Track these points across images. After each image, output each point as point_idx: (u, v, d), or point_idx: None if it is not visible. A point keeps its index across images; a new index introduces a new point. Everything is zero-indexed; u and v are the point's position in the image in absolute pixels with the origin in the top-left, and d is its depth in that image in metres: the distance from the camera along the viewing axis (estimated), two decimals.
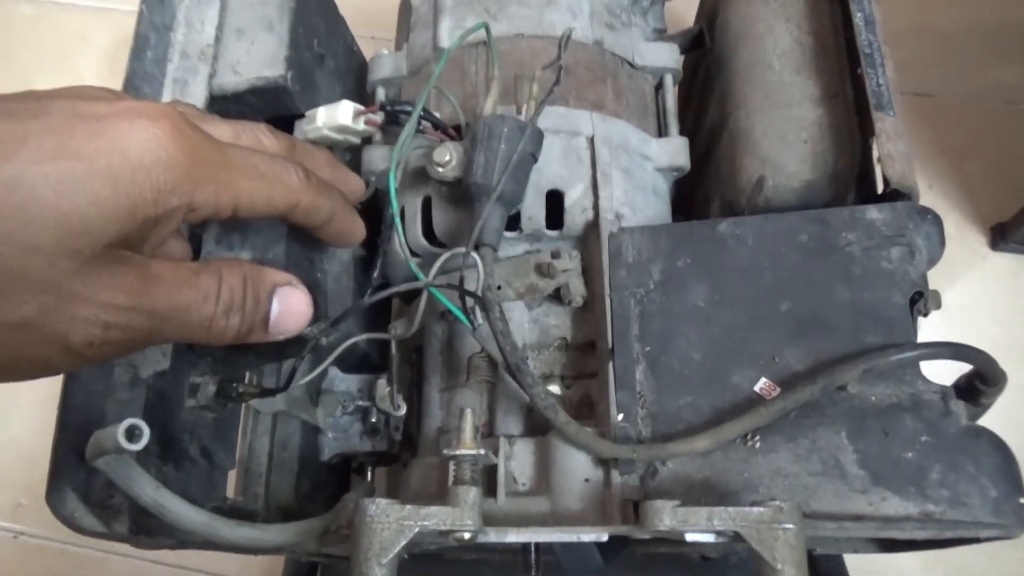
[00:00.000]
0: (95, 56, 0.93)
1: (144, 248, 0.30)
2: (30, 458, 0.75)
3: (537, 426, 0.42)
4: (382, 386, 0.49)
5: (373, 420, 0.51)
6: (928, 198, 0.81)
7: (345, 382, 0.52)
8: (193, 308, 0.31)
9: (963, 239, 0.76)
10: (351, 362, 0.51)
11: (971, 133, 0.81)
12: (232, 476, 0.45)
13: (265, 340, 0.34)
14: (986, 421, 0.37)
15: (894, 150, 0.41)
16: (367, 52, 0.57)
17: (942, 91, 0.84)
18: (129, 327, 0.28)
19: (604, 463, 0.37)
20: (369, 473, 0.55)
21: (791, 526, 0.31)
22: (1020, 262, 0.76)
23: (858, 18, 0.44)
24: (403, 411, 0.49)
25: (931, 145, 0.80)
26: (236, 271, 0.33)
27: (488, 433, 0.43)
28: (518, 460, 0.40)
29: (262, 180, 0.32)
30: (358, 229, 0.40)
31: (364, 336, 0.44)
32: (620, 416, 0.38)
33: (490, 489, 0.39)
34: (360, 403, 0.51)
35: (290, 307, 0.34)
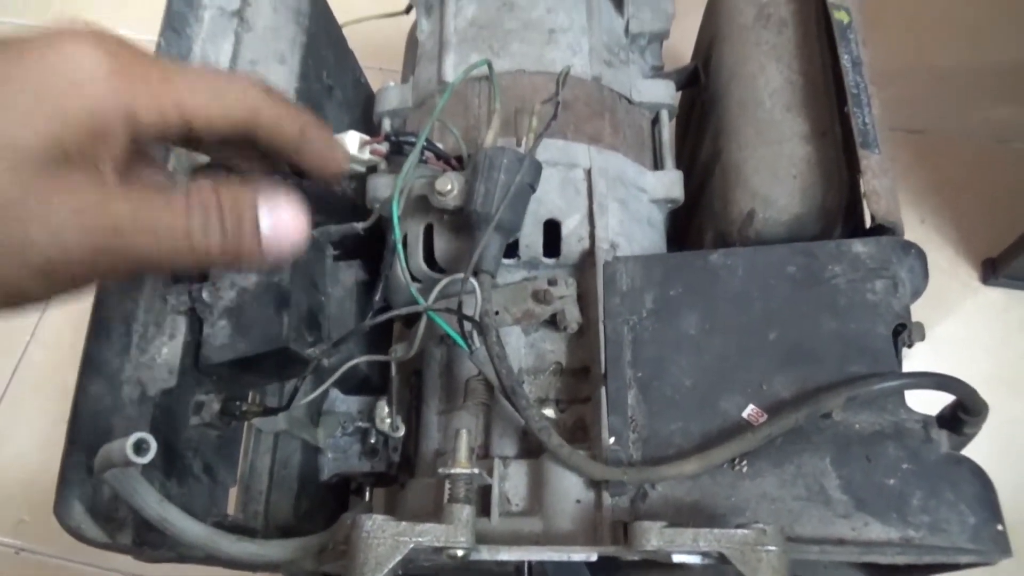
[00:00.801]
0: None
1: (104, 168, 0.29)
2: (33, 475, 0.76)
3: (531, 448, 0.43)
4: (382, 407, 0.50)
5: (372, 441, 0.52)
6: (920, 232, 0.83)
7: (346, 403, 0.53)
8: (163, 221, 0.29)
9: (955, 273, 0.77)
10: (352, 384, 0.53)
11: (963, 170, 0.83)
12: (233, 493, 0.46)
13: (262, 263, 0.31)
14: (979, 456, 0.37)
15: (879, 186, 0.42)
16: (375, 82, 0.59)
17: (935, 128, 0.86)
18: (92, 246, 0.28)
19: (596, 485, 0.38)
20: (367, 494, 0.56)
21: (774, 548, 0.32)
22: (1010, 296, 0.77)
23: (845, 60, 0.46)
24: (402, 432, 0.50)
25: (924, 181, 0.82)
26: (206, 186, 0.30)
27: (483, 454, 0.44)
28: (512, 481, 0.41)
29: (209, 90, 0.31)
30: (339, 154, 0.38)
31: (365, 358, 0.45)
32: (612, 439, 0.39)
33: (484, 509, 0.40)
34: (360, 424, 0.52)
35: (282, 220, 0.31)
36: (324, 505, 0.53)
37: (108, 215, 0.28)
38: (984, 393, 0.38)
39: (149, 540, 0.36)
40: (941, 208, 0.80)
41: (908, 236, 0.42)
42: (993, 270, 0.76)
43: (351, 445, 0.53)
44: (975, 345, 0.74)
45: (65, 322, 0.85)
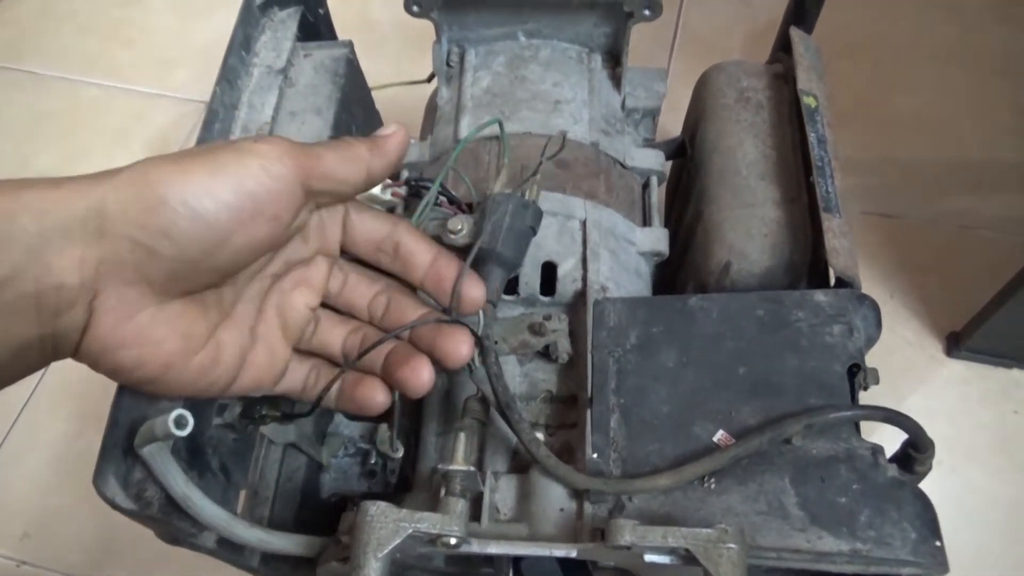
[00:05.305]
0: (150, 134, 1.03)
1: None
2: (41, 493, 0.78)
3: (521, 465, 0.47)
4: (383, 430, 0.54)
5: (372, 462, 0.55)
6: (890, 307, 0.89)
7: (349, 428, 0.57)
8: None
9: (921, 345, 0.82)
10: None
11: (930, 252, 0.90)
12: (242, 497, 0.49)
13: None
14: (948, 524, 0.39)
15: (839, 246, 0.48)
16: None
17: (906, 214, 0.93)
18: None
19: (578, 495, 0.42)
20: None
21: (734, 546, 0.36)
22: (972, 369, 0.82)
23: (812, 137, 0.52)
24: (400, 453, 0.53)
25: (894, 261, 0.88)
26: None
27: (477, 469, 0.47)
28: (501, 493, 0.45)
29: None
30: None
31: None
32: (595, 455, 0.43)
33: (475, 516, 0.43)
34: (361, 445, 0.56)
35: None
36: (321, 522, 0.56)
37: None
38: (944, 460, 0.42)
39: (172, 520, 0.39)
40: (909, 286, 0.86)
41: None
42: (957, 344, 0.81)
43: (351, 466, 0.57)
44: (938, 415, 0.78)
45: None
